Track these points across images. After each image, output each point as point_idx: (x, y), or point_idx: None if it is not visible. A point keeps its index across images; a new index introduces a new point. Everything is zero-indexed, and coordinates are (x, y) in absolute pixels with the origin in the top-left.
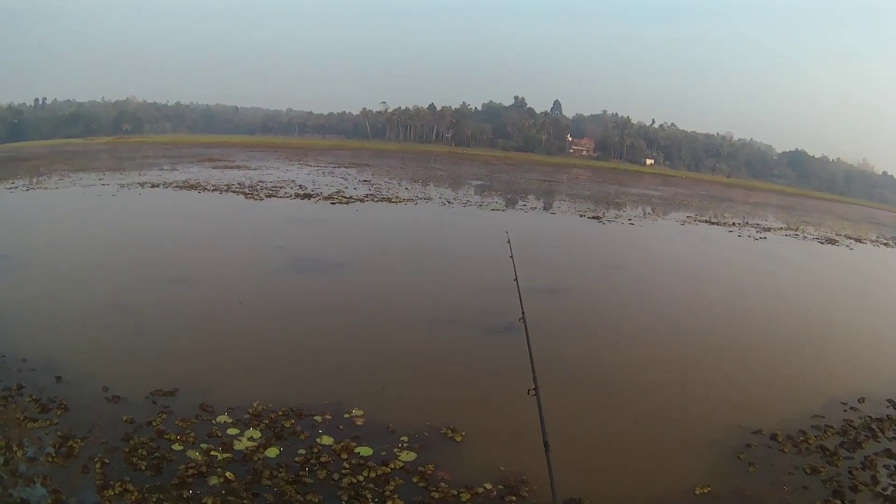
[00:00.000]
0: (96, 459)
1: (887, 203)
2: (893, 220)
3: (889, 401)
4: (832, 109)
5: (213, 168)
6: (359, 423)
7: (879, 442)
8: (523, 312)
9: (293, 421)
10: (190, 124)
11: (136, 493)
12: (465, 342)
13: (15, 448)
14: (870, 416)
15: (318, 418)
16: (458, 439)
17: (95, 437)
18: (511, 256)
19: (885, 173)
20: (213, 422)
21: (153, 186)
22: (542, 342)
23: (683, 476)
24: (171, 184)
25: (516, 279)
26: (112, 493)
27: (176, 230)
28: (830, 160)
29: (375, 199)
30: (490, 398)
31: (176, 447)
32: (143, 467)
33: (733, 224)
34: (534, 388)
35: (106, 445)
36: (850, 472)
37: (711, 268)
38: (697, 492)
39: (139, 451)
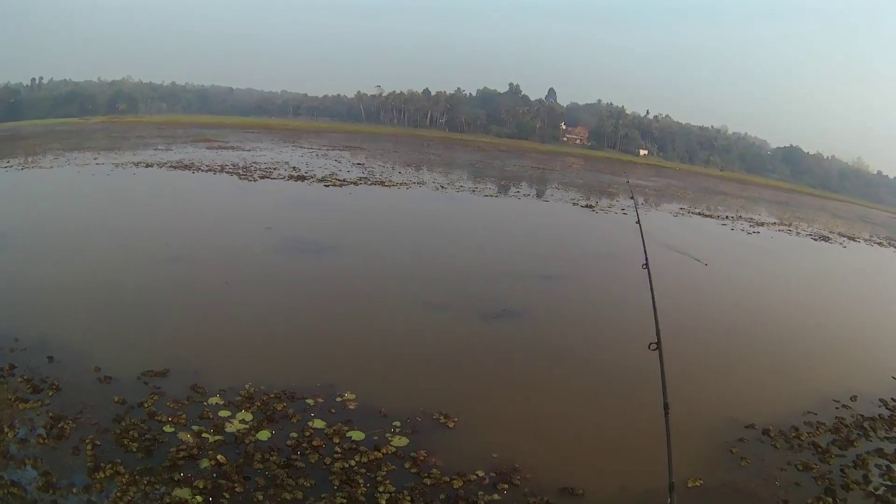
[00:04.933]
0: (87, 441)
1: (882, 202)
2: (886, 220)
3: (881, 400)
4: (828, 107)
5: (207, 149)
6: (351, 406)
7: (871, 441)
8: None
9: (285, 404)
10: (185, 105)
11: (126, 476)
12: (458, 328)
13: (6, 429)
14: (861, 415)
15: (311, 401)
16: (451, 426)
17: (87, 419)
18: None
19: (879, 173)
20: (205, 403)
21: (147, 166)
22: (538, 331)
23: (676, 468)
24: (166, 164)
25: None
26: (103, 476)
27: (169, 210)
28: (825, 157)
29: (369, 182)
30: (482, 385)
31: (167, 429)
32: (135, 449)
33: (726, 217)
34: (656, 343)
35: (97, 427)
36: (841, 471)
37: (704, 262)
38: (690, 485)
39: (130, 432)
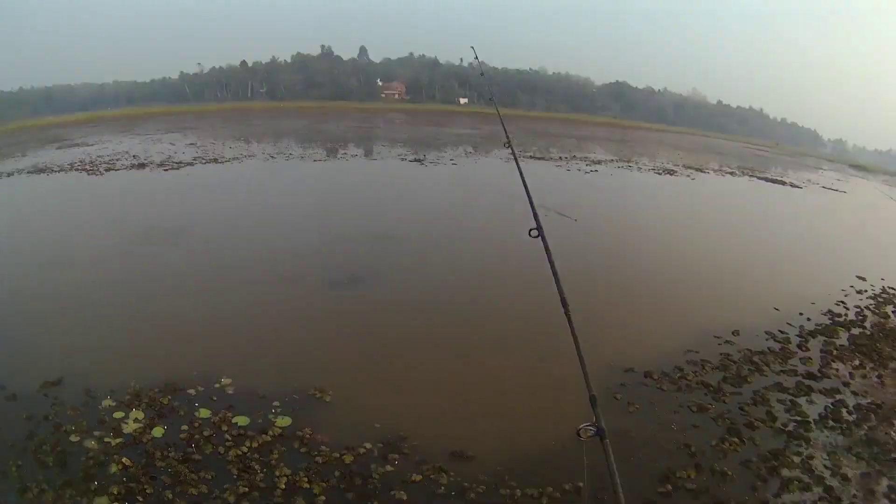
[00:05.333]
0: (10, 462)
1: (727, 132)
2: (737, 149)
3: (767, 332)
4: (653, 41)
5: (57, 149)
6: (229, 391)
7: (766, 376)
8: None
9: (169, 397)
10: (33, 108)
11: (51, 493)
12: (312, 298)
13: None
14: (749, 350)
15: (192, 391)
16: (327, 399)
17: (2, 440)
18: None
19: (720, 102)
20: (99, 407)
21: (9, 175)
22: (388, 293)
23: (563, 419)
24: (24, 170)
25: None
26: (32, 496)
27: (29, 215)
28: (656, 91)
29: (203, 161)
30: (347, 354)
31: (73, 438)
32: (51, 463)
33: (560, 158)
34: (536, 229)
35: (15, 447)
36: (741, 409)
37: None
38: (584, 436)
39: (43, 447)
